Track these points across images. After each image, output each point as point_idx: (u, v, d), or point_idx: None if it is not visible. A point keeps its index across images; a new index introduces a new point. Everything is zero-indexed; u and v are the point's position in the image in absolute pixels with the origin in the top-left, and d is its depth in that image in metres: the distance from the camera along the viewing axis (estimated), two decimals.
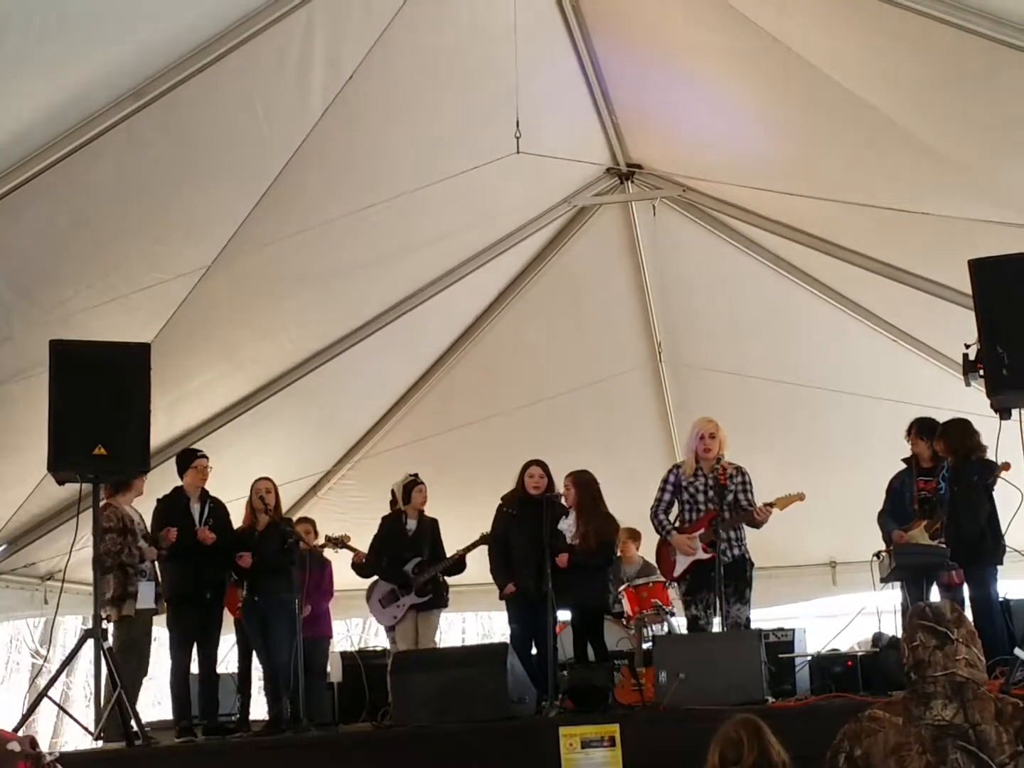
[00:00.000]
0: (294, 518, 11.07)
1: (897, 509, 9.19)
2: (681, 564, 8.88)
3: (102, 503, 8.78)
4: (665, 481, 9.17)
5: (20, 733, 6.78)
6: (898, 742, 3.97)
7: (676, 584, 9.13)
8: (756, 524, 8.82)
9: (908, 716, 4.02)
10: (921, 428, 9.25)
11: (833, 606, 14.32)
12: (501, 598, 9.53)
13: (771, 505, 8.78)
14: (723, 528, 8.68)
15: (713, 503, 8.82)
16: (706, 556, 8.67)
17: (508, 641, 9.26)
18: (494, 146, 9.13)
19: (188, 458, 9.58)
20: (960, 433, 8.57)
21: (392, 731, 7.83)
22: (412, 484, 10.18)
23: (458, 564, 10.10)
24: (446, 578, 10.16)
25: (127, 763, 7.71)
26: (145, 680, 9.54)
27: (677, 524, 9.03)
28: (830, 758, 4.13)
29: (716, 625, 8.59)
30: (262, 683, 9.83)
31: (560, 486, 9.36)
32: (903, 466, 9.33)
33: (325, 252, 9.87)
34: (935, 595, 8.81)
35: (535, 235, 11.50)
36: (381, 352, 11.78)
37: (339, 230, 9.54)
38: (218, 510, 9.49)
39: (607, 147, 10.54)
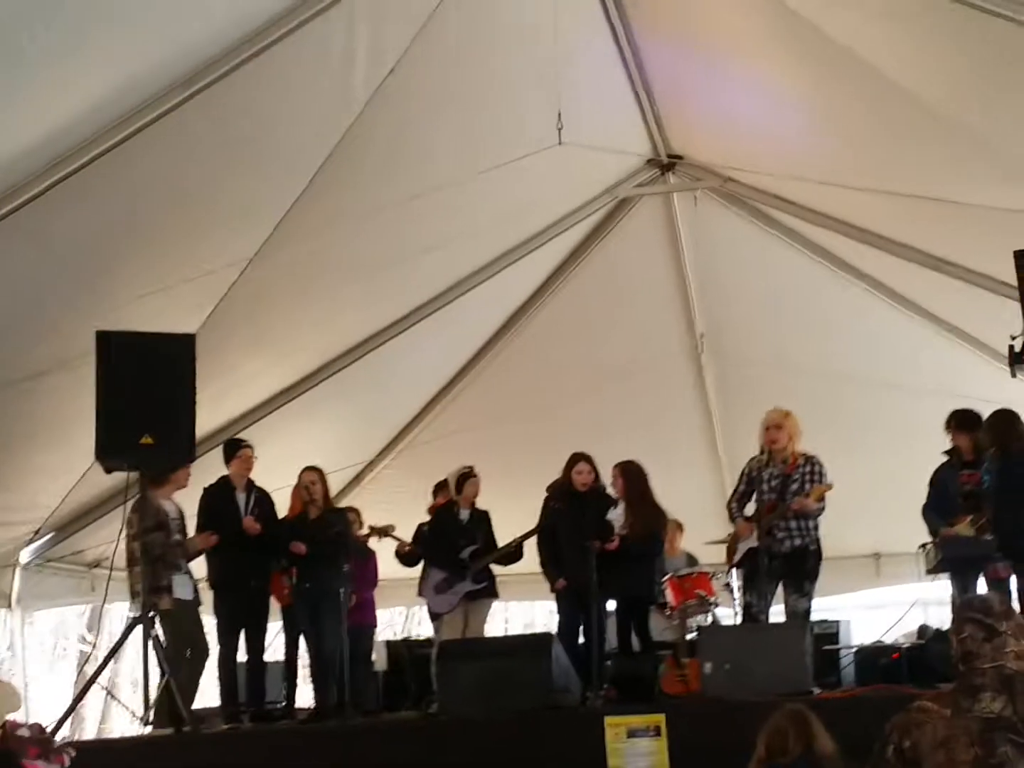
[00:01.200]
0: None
1: (940, 502, 9.14)
2: (740, 551, 8.95)
3: (137, 504, 8.85)
4: (742, 474, 9.27)
5: (69, 720, 6.87)
6: (947, 735, 3.96)
7: (737, 570, 9.20)
8: (804, 515, 8.81)
9: (956, 708, 4.01)
10: (960, 421, 9.18)
11: (877, 598, 14.28)
12: (552, 591, 9.54)
13: (806, 496, 8.78)
14: (772, 519, 8.69)
15: (776, 492, 8.83)
16: (757, 544, 8.66)
17: (552, 631, 9.29)
18: (536, 137, 9.11)
19: (233, 448, 9.66)
20: (1004, 424, 8.52)
21: (437, 719, 7.92)
22: (466, 476, 10.23)
23: (516, 552, 10.13)
24: (492, 569, 10.18)
25: (175, 749, 7.83)
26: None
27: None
28: (879, 750, 4.11)
29: (772, 615, 8.61)
30: (307, 670, 9.89)
31: (608, 477, 9.37)
32: (946, 458, 9.28)
33: (367, 243, 9.91)
34: (982, 588, 8.77)
35: (576, 227, 11.48)
36: (424, 343, 11.81)
37: (381, 222, 9.58)
38: (263, 500, 9.57)
39: (648, 138, 10.51)
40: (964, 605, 4.26)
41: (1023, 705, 3.95)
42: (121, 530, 8.59)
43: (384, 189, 9.32)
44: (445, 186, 9.45)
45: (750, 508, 9.17)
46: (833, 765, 4.84)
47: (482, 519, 10.27)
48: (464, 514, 10.23)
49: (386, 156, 8.95)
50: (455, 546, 10.04)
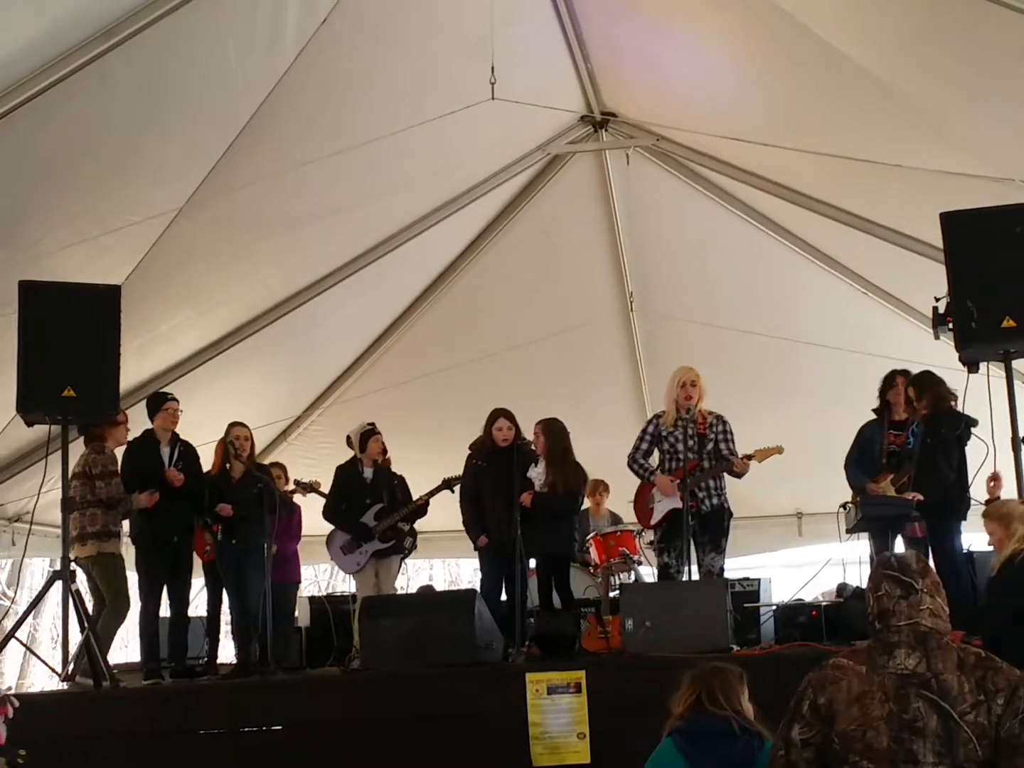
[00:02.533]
0: (265, 463, 11.10)
1: (864, 459, 9.18)
2: (659, 512, 8.86)
3: (96, 446, 8.81)
4: (644, 431, 9.14)
5: None
6: (861, 690, 4.01)
7: (653, 531, 9.10)
8: (736, 475, 8.83)
9: (872, 665, 4.05)
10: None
11: (799, 556, 14.44)
12: (476, 549, 9.52)
13: (750, 457, 8.79)
14: (699, 480, 8.70)
15: (693, 452, 8.80)
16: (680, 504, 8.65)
17: (476, 588, 9.29)
18: (469, 92, 9.06)
19: (158, 401, 9.53)
20: (937, 386, 8.58)
21: (359, 675, 7.90)
22: (369, 433, 10.07)
23: (420, 509, 10.04)
24: (413, 525, 10.12)
25: (94, 704, 7.74)
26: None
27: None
28: (794, 705, 4.15)
29: (688, 574, 8.62)
30: (230, 627, 9.84)
31: (530, 434, 9.33)
32: (871, 417, 9.35)
33: (297, 197, 9.82)
34: (900, 547, 8.87)
35: (508, 183, 11.44)
36: (352, 298, 11.73)
37: (311, 175, 9.48)
38: (188, 453, 9.46)
39: (582, 95, 10.49)
40: (881, 563, 4.30)
41: (937, 662, 4.00)
42: (42, 484, 8.46)
43: (313, 143, 9.22)
44: (375, 141, 9.35)
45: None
46: (735, 719, 4.79)
47: (387, 474, 10.14)
48: (368, 472, 10.07)
49: (315, 110, 8.85)
50: (360, 505, 9.93)
